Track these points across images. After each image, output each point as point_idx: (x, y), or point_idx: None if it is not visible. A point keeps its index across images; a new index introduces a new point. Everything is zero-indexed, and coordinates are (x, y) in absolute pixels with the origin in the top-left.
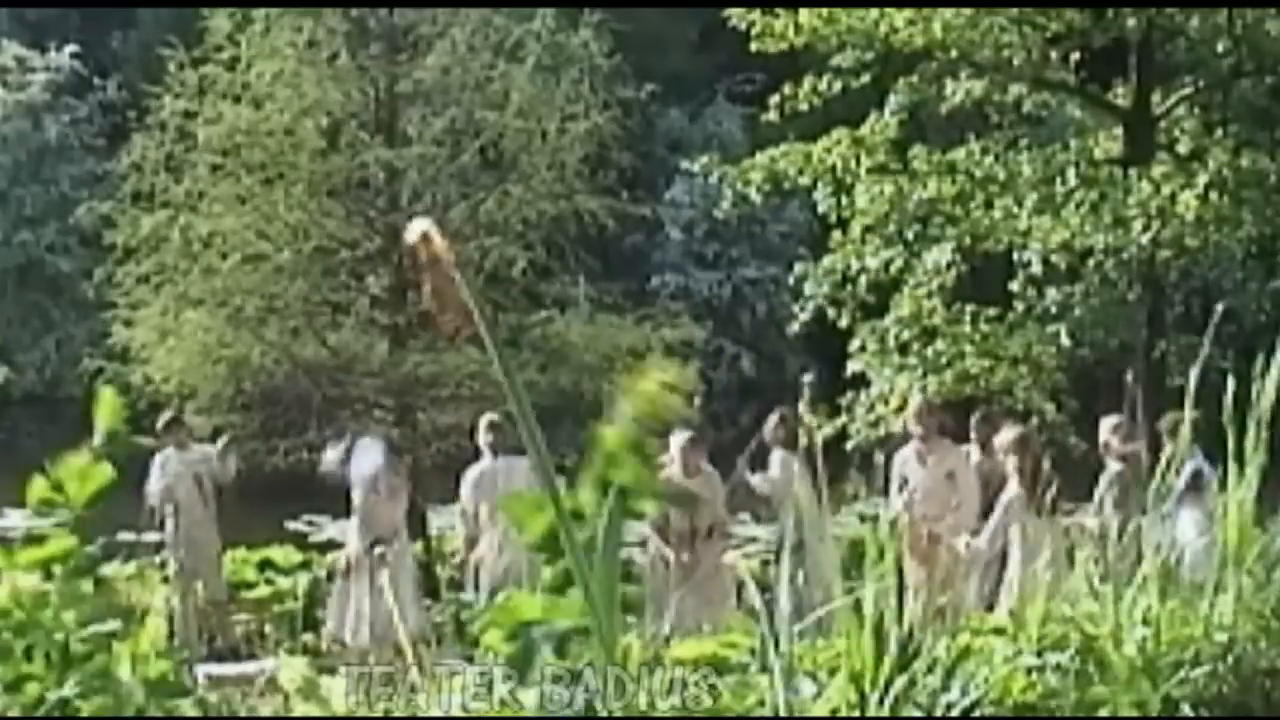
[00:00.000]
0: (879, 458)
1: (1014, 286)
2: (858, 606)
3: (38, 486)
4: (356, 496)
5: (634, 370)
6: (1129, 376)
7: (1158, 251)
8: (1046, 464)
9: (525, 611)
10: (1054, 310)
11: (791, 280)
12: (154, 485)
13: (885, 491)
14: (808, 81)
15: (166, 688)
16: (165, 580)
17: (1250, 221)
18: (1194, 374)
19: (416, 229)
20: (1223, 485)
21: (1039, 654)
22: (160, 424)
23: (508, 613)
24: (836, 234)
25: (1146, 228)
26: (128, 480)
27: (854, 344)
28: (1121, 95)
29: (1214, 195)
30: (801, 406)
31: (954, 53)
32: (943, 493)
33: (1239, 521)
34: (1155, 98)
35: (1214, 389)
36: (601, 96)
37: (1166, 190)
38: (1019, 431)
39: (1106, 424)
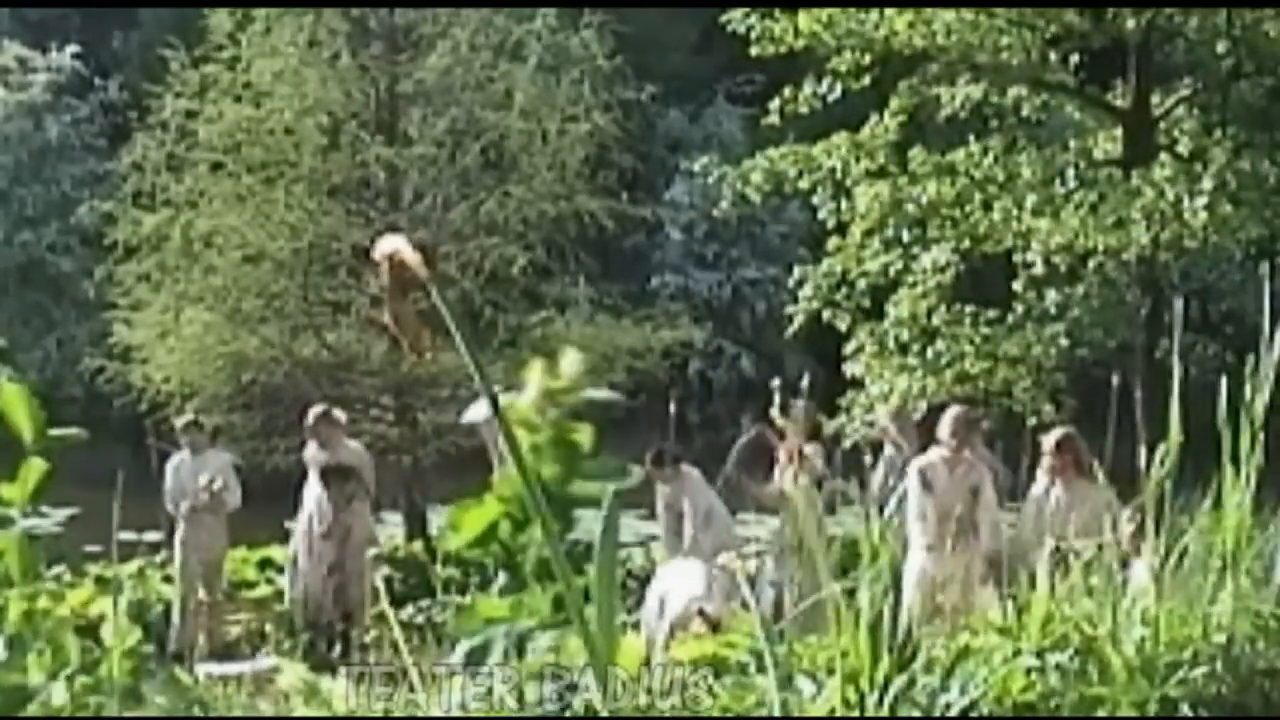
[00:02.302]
0: (871, 459)
1: (1015, 287)
2: (854, 606)
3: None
4: None
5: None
6: (1115, 378)
7: (1157, 253)
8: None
9: (489, 612)
10: (1053, 311)
11: (791, 283)
12: (169, 491)
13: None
14: (807, 85)
15: (130, 685)
16: (167, 579)
17: (1250, 223)
18: (1177, 373)
19: (384, 248)
20: (1219, 486)
21: (1038, 654)
22: (180, 424)
23: (473, 613)
24: (835, 238)
25: (1148, 229)
26: (135, 480)
27: (850, 346)
28: (1121, 96)
29: (1217, 200)
30: (773, 411)
31: (953, 55)
32: (963, 506)
33: (1236, 522)
34: (1154, 99)
35: (1213, 390)
36: (602, 97)
37: (1170, 194)
38: (1063, 432)
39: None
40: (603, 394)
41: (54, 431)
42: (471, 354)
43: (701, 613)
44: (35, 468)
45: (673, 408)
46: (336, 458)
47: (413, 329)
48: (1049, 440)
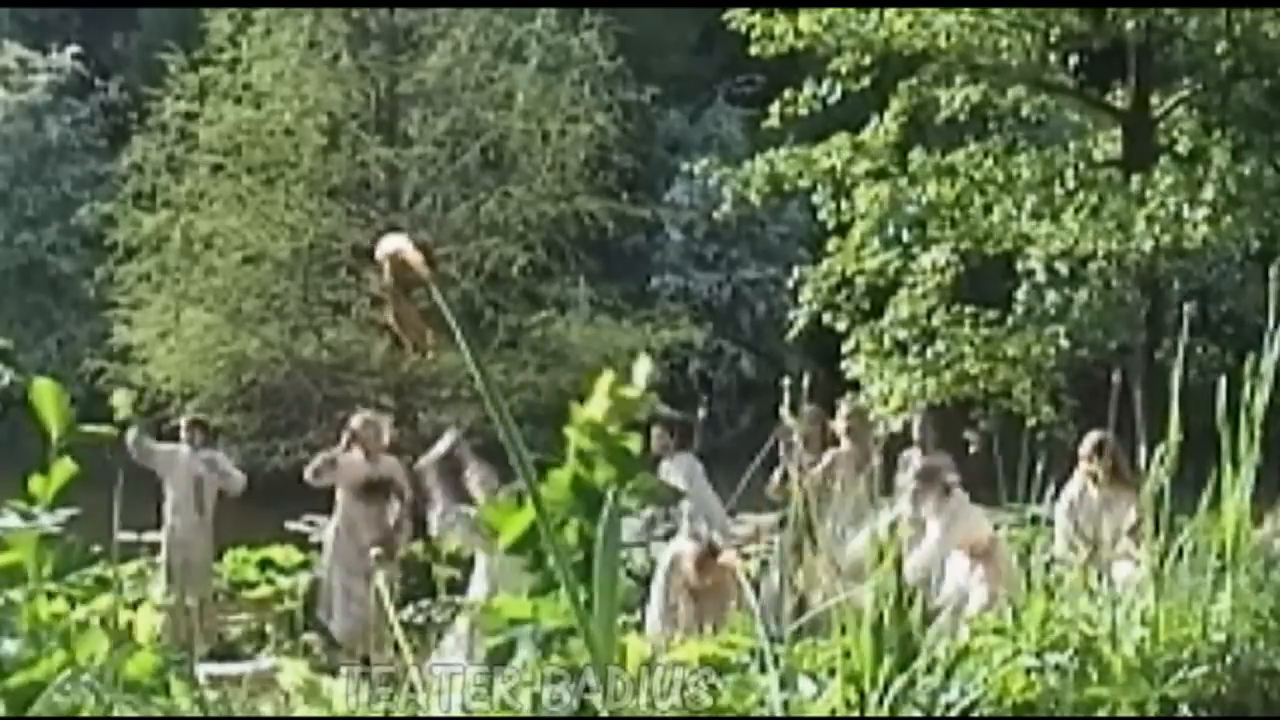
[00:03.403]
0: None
1: (1015, 291)
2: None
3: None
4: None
5: (600, 372)
6: (1115, 377)
7: (1158, 256)
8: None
9: (511, 612)
10: (1053, 312)
11: (791, 284)
12: (159, 469)
13: (886, 492)
14: (807, 87)
15: (147, 685)
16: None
17: (1250, 225)
18: (1177, 376)
19: (387, 247)
20: (1218, 486)
21: (1038, 654)
22: (185, 421)
23: (495, 613)
24: (835, 239)
25: (1150, 234)
26: (135, 480)
27: (848, 345)
28: (1120, 97)
29: (1218, 207)
30: (783, 410)
31: (953, 56)
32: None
33: (1235, 522)
34: (1154, 100)
35: (1213, 391)
36: (602, 98)
37: (1172, 201)
38: (1099, 436)
39: (843, 409)
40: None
41: (86, 428)
42: (473, 355)
43: (696, 537)
44: (64, 468)
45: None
46: (378, 472)
47: (416, 328)
48: (1086, 444)
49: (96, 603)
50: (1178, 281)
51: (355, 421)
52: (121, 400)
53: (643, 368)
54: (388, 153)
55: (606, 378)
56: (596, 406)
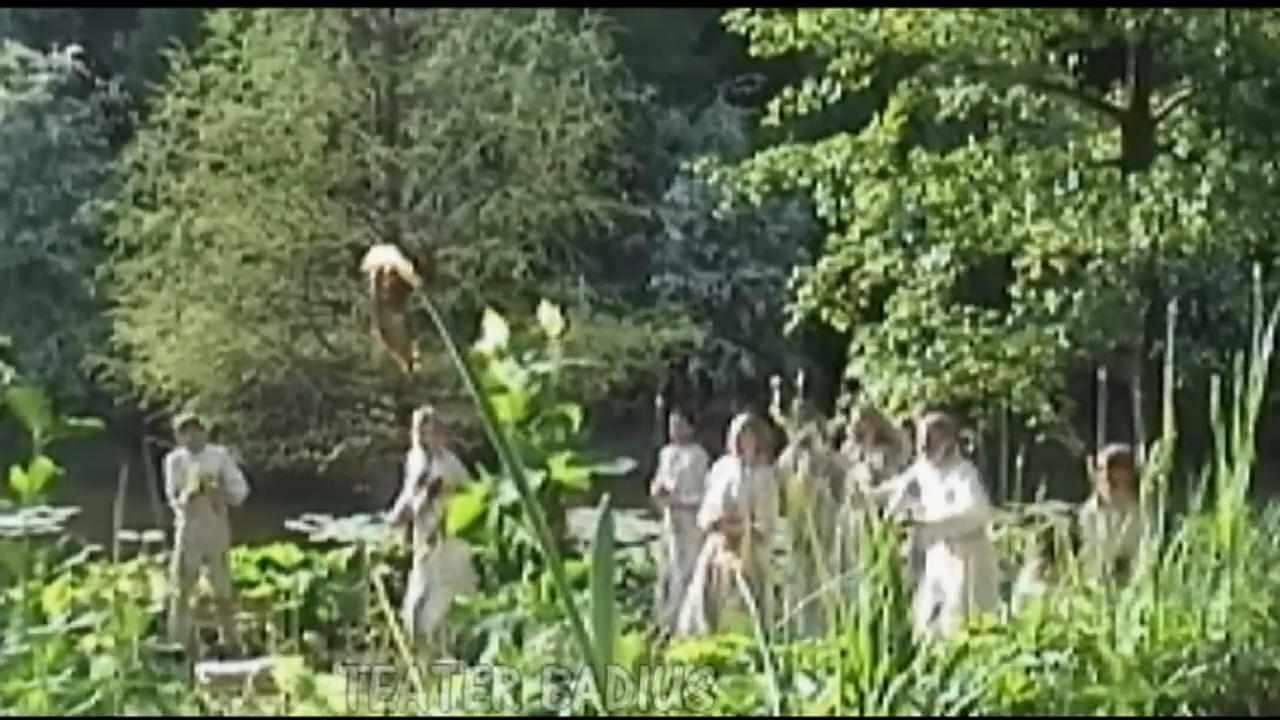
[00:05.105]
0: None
1: (1014, 290)
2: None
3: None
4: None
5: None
6: (1106, 376)
7: (1156, 255)
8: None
9: (483, 604)
10: (1053, 312)
11: (791, 283)
12: (171, 486)
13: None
14: (807, 86)
15: (144, 674)
16: (167, 578)
17: (1248, 225)
18: (1169, 375)
19: (375, 259)
20: (1212, 484)
21: (1036, 653)
22: (177, 425)
23: (467, 608)
24: (834, 237)
25: (1147, 232)
26: (135, 480)
27: (853, 348)
28: (1120, 97)
29: (1215, 204)
30: (773, 409)
31: (953, 56)
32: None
33: (1231, 520)
34: (1153, 99)
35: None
36: (602, 98)
37: (1169, 198)
38: (1115, 450)
39: (855, 412)
40: (583, 361)
41: (70, 421)
42: (464, 359)
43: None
44: (43, 468)
45: (664, 405)
46: (429, 469)
47: (400, 342)
48: (1101, 459)
49: (91, 584)
50: (1176, 281)
51: (416, 417)
52: (191, 476)
53: (546, 313)
54: (388, 152)
55: (495, 319)
56: (489, 343)
